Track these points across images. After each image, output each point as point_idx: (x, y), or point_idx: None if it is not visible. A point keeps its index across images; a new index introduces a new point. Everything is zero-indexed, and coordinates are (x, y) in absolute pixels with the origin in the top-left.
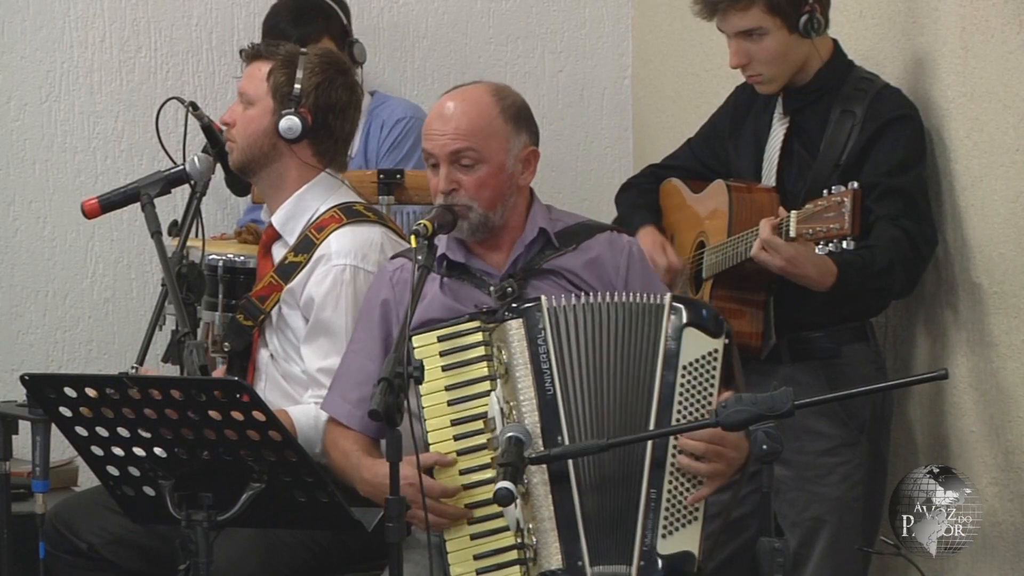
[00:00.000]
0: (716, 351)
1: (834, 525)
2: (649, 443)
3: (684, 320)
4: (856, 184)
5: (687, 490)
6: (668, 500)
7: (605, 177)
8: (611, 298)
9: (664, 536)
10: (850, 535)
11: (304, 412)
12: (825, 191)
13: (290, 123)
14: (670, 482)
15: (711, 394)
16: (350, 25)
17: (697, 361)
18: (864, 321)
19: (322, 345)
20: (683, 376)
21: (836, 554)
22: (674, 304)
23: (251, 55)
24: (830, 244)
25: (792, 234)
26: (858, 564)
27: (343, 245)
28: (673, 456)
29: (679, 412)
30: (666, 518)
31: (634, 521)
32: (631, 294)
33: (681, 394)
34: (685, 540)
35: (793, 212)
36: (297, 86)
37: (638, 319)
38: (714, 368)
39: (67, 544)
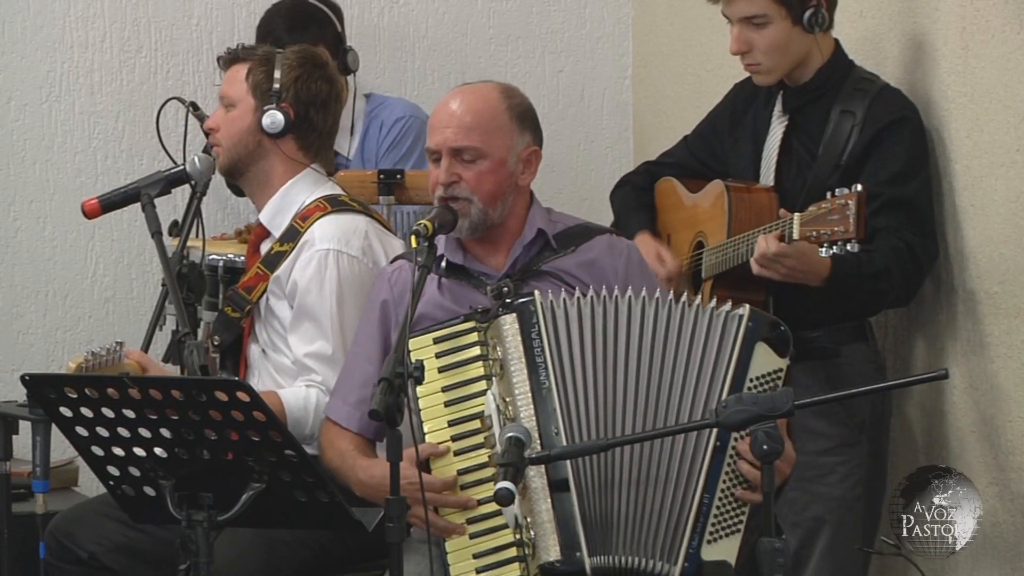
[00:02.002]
0: (781, 370)
1: (834, 525)
2: (709, 448)
3: (759, 334)
4: (860, 187)
5: (736, 501)
6: (718, 508)
7: (605, 177)
8: (683, 299)
9: (709, 542)
10: (850, 535)
11: (294, 394)
12: (829, 193)
13: (273, 118)
14: (722, 491)
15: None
16: (344, 32)
17: (763, 377)
18: (863, 320)
19: (307, 330)
20: (748, 390)
21: (836, 554)
22: (752, 315)
23: (229, 60)
24: (834, 247)
25: (796, 236)
26: (858, 564)
27: (326, 231)
28: (729, 465)
29: None
30: (713, 524)
31: (683, 522)
32: (698, 298)
33: None
34: (727, 549)
35: (797, 214)
36: (276, 82)
37: (701, 324)
38: (776, 388)
39: (68, 554)
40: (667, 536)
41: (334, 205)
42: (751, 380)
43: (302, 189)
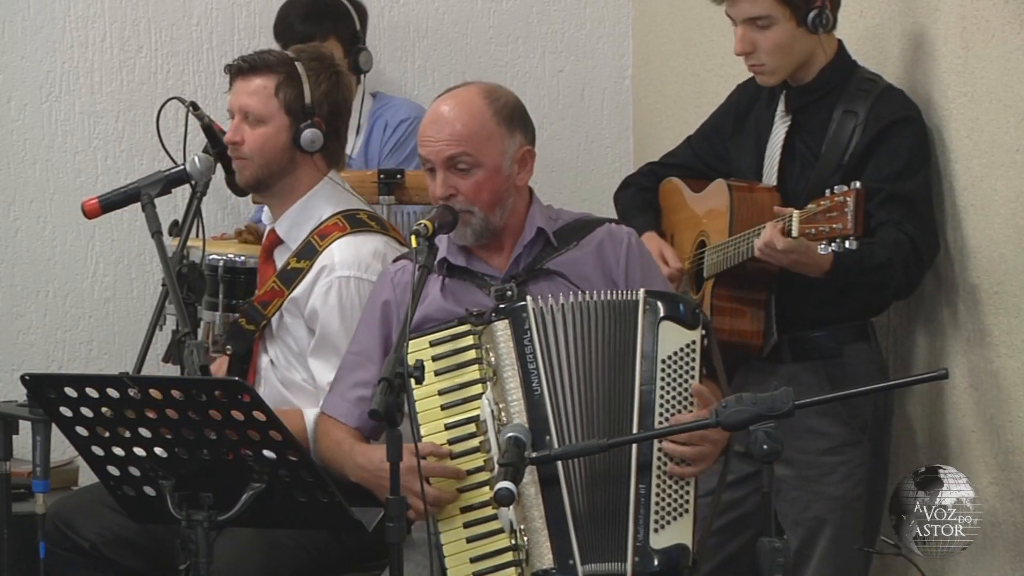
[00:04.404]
0: (694, 343)
1: (836, 524)
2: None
3: (660, 314)
4: (858, 184)
5: (676, 483)
6: (657, 495)
7: (605, 177)
8: (594, 296)
9: (656, 531)
10: (852, 535)
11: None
12: (827, 191)
13: (313, 136)
14: (658, 476)
15: (692, 386)
16: (364, 31)
17: (676, 354)
18: (865, 321)
19: (330, 359)
20: (663, 371)
21: (838, 553)
22: (648, 299)
23: (244, 71)
24: (833, 243)
25: (795, 234)
26: (859, 564)
27: (346, 256)
28: (659, 450)
29: (661, 407)
30: (657, 512)
31: (625, 518)
32: (608, 292)
33: (663, 388)
34: (677, 533)
35: (796, 212)
36: (308, 97)
37: (616, 316)
38: (693, 360)
39: (68, 543)
40: (613, 534)
41: (352, 225)
42: (664, 360)
43: (320, 202)
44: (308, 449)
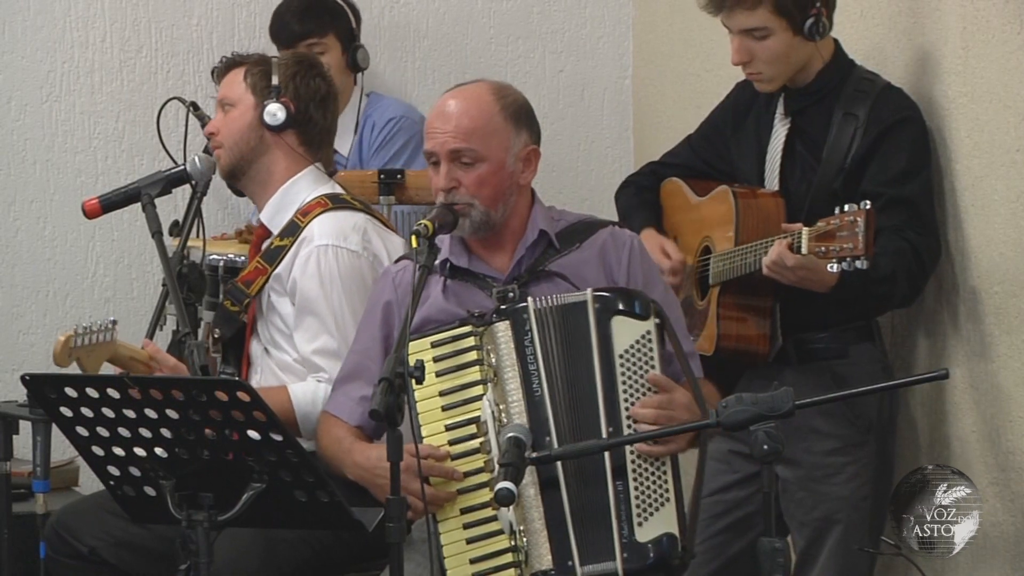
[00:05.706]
0: (649, 333)
1: (842, 524)
2: (604, 436)
3: (610, 310)
4: (868, 204)
5: (652, 474)
6: (636, 488)
7: (605, 177)
8: (550, 300)
9: (640, 524)
10: (858, 534)
11: (303, 389)
12: (837, 208)
13: (274, 109)
14: (633, 470)
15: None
16: (359, 30)
17: (632, 347)
18: (869, 320)
19: (310, 327)
20: (622, 365)
21: (844, 554)
22: (596, 297)
23: (224, 69)
24: (843, 263)
25: (804, 251)
26: (864, 564)
27: (325, 227)
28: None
29: (625, 401)
30: (638, 506)
31: (608, 516)
32: (559, 295)
33: (624, 382)
34: (662, 523)
35: (805, 229)
36: (275, 79)
37: (572, 317)
38: (650, 350)
39: (68, 548)
40: (602, 534)
41: (334, 202)
42: (621, 355)
43: (303, 187)
44: (294, 423)
